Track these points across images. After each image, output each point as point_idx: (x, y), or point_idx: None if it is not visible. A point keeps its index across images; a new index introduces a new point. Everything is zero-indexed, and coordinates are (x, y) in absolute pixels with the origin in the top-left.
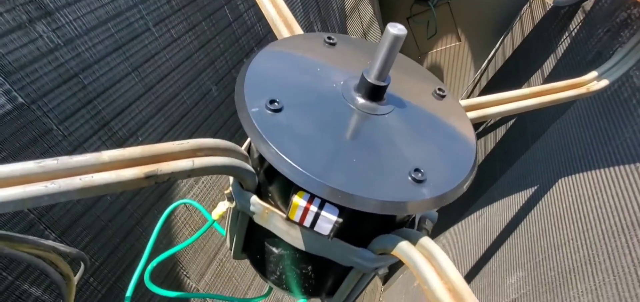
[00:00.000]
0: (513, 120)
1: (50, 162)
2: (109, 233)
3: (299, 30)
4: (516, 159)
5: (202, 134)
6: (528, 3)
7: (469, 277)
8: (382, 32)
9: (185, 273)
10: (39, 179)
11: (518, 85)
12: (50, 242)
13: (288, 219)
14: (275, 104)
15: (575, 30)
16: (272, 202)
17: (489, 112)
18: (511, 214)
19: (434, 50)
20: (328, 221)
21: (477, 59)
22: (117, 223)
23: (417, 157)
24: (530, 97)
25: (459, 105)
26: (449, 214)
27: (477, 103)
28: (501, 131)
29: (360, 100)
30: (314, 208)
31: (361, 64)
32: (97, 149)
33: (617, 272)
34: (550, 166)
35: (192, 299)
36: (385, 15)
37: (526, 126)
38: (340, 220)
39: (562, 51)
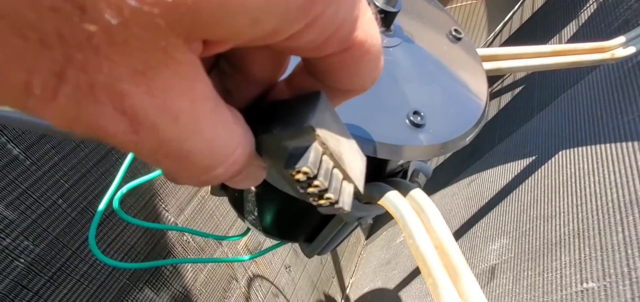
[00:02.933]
0: (520, 88)
1: None
2: (80, 155)
3: None
4: (518, 127)
5: None
6: None
7: None
8: None
9: (163, 206)
10: None
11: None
12: None
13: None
14: None
15: None
16: None
17: (504, 65)
18: (504, 182)
19: (448, 7)
20: None
21: (492, 21)
22: (90, 145)
23: (418, 99)
24: (549, 55)
25: (475, 52)
26: (439, 176)
27: (492, 54)
28: (507, 98)
29: None
30: None
31: None
32: None
33: (606, 249)
34: (553, 137)
35: (168, 232)
36: None
37: (533, 94)
38: None
39: (586, 17)
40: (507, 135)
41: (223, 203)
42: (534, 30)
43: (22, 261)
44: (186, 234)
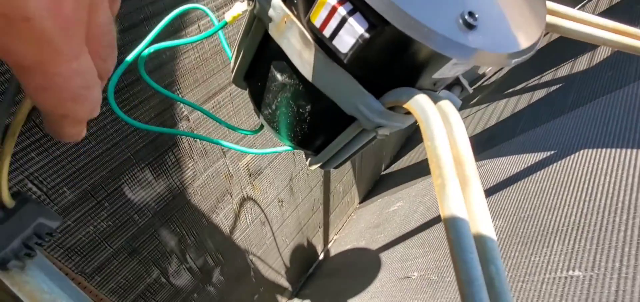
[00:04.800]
0: (556, 87)
1: None
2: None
3: None
4: (543, 122)
5: None
6: None
7: None
8: None
9: (180, 96)
10: None
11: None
12: None
13: (309, 22)
14: None
15: None
16: (295, 12)
17: (565, 24)
18: (514, 170)
19: None
20: (353, 32)
21: None
22: (124, 10)
23: (478, 1)
24: (612, 31)
25: None
26: None
27: (554, 9)
28: (540, 93)
29: None
30: (342, 10)
31: None
32: None
33: (602, 245)
34: (577, 136)
35: (178, 122)
36: None
37: (568, 96)
38: (367, 36)
39: None
40: (529, 128)
41: (237, 113)
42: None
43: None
44: (195, 132)
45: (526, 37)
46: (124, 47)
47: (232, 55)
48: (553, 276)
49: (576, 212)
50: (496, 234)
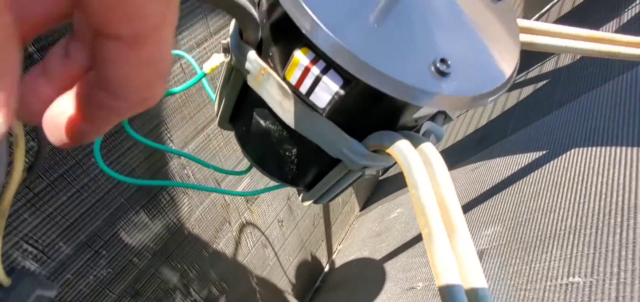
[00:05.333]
0: (543, 83)
1: None
2: None
3: None
4: (533, 121)
5: None
6: None
7: None
8: None
9: (168, 136)
10: None
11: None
12: None
13: (284, 80)
14: None
15: None
16: (271, 64)
17: (539, 40)
18: (509, 172)
19: None
20: (328, 89)
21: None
22: None
23: (447, 48)
24: (586, 40)
25: (513, 15)
26: (444, 159)
27: (528, 26)
28: (528, 90)
29: None
30: (315, 70)
31: None
32: None
33: (599, 248)
34: (567, 134)
35: (169, 163)
36: None
37: (555, 91)
38: (342, 92)
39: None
40: (520, 127)
41: (227, 145)
42: (586, 16)
43: (26, 160)
44: (186, 168)
45: (502, 71)
46: None
47: (216, 100)
48: (554, 283)
49: (572, 215)
50: (496, 240)
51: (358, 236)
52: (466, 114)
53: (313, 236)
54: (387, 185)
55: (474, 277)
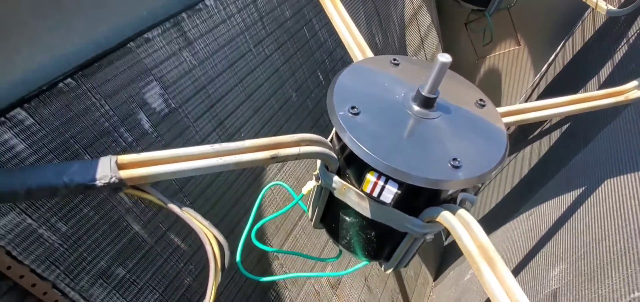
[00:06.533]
0: (568, 124)
1: (216, 146)
2: (220, 204)
3: (369, 53)
4: (567, 162)
5: (285, 131)
6: (590, 9)
7: (517, 271)
8: (439, 39)
9: (269, 243)
10: (211, 156)
11: (575, 90)
12: (208, 222)
13: (361, 191)
14: (355, 109)
15: (633, 38)
16: (349, 181)
17: (526, 117)
18: (558, 213)
19: (493, 54)
20: (390, 192)
21: (537, 63)
22: (226, 198)
23: (456, 150)
24: (567, 104)
25: (497, 113)
26: (501, 211)
27: (515, 110)
28: (556, 135)
29: (416, 108)
30: (380, 182)
31: (418, 79)
32: (216, 140)
33: None
34: (598, 169)
35: (278, 255)
36: (444, 21)
37: (579, 129)
38: (399, 191)
39: (619, 58)
40: (558, 169)
41: (311, 239)
42: (576, 71)
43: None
44: (284, 267)
45: (495, 155)
46: (231, 222)
47: (309, 210)
48: None
49: (619, 240)
50: (564, 278)
51: None
52: (508, 167)
53: None
54: (453, 250)
55: (515, 291)
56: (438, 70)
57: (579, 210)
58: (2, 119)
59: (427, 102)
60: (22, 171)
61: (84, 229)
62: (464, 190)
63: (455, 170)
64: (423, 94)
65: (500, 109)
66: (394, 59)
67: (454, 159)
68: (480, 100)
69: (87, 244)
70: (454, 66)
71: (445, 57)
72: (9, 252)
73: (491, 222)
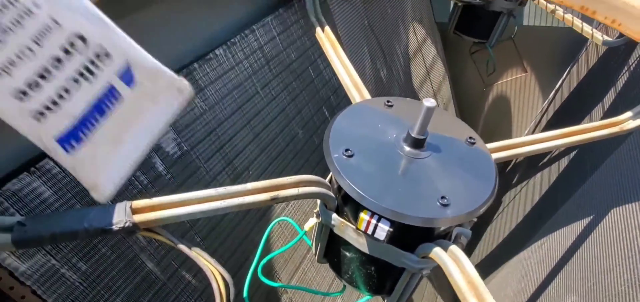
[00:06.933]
0: (574, 152)
1: (220, 189)
2: (229, 240)
3: (367, 94)
4: (576, 189)
5: (291, 167)
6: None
7: None
8: (446, 70)
9: (278, 277)
10: (215, 199)
11: (581, 118)
12: (213, 260)
13: (357, 229)
14: (349, 151)
15: (634, 66)
16: (347, 218)
17: (517, 152)
18: (568, 242)
19: (500, 81)
20: (382, 229)
21: (544, 89)
22: (236, 233)
23: (445, 188)
24: (562, 137)
25: (486, 150)
26: (516, 242)
27: (505, 145)
28: (564, 162)
29: (407, 148)
30: (374, 221)
31: (410, 120)
32: (225, 180)
33: None
34: (604, 197)
35: (286, 290)
36: (450, 51)
37: (586, 156)
38: (391, 229)
39: (621, 86)
40: (566, 198)
41: (319, 273)
42: (581, 98)
43: None
44: (293, 300)
45: (483, 192)
46: (239, 258)
47: (313, 245)
48: None
49: (625, 271)
50: None
51: None
52: (520, 195)
53: None
54: None
55: None
56: (424, 115)
57: (587, 240)
58: (33, 168)
59: (417, 143)
60: (48, 218)
61: (101, 267)
62: (460, 224)
63: (444, 208)
64: (413, 135)
65: (491, 145)
66: (388, 101)
67: (443, 197)
68: (470, 137)
69: (104, 282)
70: (462, 95)
71: (430, 102)
72: (34, 291)
73: (505, 253)
